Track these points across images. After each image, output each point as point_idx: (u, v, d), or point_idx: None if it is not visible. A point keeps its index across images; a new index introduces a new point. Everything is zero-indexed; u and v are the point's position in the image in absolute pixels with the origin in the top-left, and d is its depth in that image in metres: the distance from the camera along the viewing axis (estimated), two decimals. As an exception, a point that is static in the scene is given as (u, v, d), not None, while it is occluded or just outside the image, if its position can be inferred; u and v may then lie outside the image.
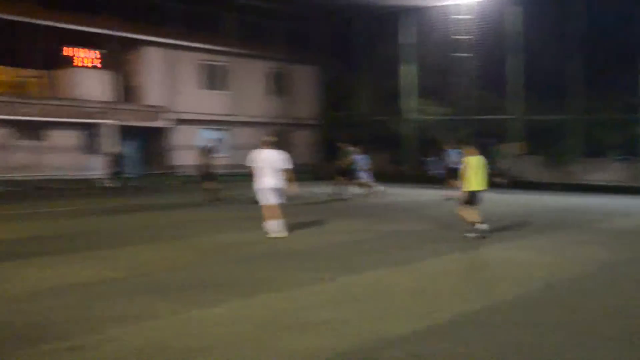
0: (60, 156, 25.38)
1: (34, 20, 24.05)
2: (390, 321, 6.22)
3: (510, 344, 5.56)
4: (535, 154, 27.81)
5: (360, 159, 21.24)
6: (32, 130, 24.76)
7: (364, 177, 21.14)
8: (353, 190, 20.77)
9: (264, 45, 32.82)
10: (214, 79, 31.07)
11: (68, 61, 26.83)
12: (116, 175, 21.41)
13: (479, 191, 11.85)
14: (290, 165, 11.96)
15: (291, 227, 12.90)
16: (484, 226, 11.80)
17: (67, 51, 26.56)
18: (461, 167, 12.07)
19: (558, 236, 12.27)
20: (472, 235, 11.76)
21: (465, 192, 11.88)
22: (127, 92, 28.89)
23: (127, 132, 27.08)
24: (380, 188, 21.48)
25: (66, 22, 25.80)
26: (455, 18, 29.48)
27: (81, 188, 22.68)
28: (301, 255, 9.92)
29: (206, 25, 30.62)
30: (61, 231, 12.30)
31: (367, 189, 21.00)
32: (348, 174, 20.69)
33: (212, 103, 30.43)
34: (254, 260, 9.51)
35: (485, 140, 25.15)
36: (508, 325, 6.13)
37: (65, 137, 25.80)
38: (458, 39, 29.35)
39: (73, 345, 5.32)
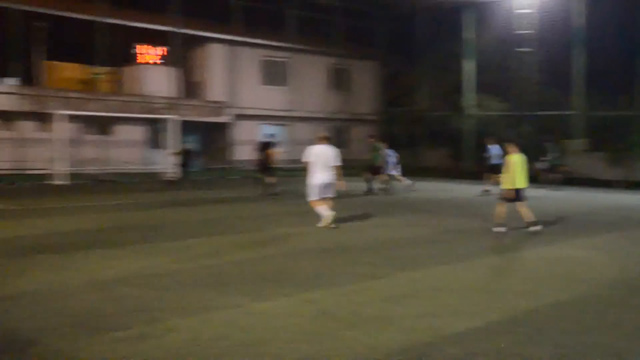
0: (126, 150, 26.14)
1: (103, 19, 24.81)
2: (447, 318, 6.23)
3: (568, 345, 5.49)
4: (598, 150, 27.10)
5: (389, 154, 21.50)
6: (100, 125, 25.57)
7: (392, 171, 21.48)
8: (380, 184, 20.84)
9: (324, 41, 32.96)
10: (274, 75, 31.40)
11: (135, 58, 27.60)
12: (184, 169, 21.86)
13: (521, 189, 11.99)
14: (339, 162, 12.26)
15: (346, 222, 13.02)
16: (538, 227, 11.90)
17: (134, 49, 27.31)
18: (503, 164, 12.22)
19: (620, 235, 11.98)
20: (501, 229, 11.91)
21: (507, 189, 12.00)
22: (190, 88, 29.50)
23: (189, 127, 27.68)
24: (409, 182, 21.78)
25: (133, 20, 26.58)
26: (517, 12, 28.94)
27: (145, 182, 23.30)
28: (358, 250, 9.99)
29: (267, 21, 30.96)
30: (126, 223, 12.68)
31: (393, 183, 21.20)
32: (377, 169, 20.88)
33: (271, 98, 30.76)
34: (311, 254, 9.62)
35: (542, 137, 24.74)
36: (566, 324, 6.06)
37: (131, 132, 26.56)
38: (520, 33, 28.82)
39: (138, 334, 5.52)
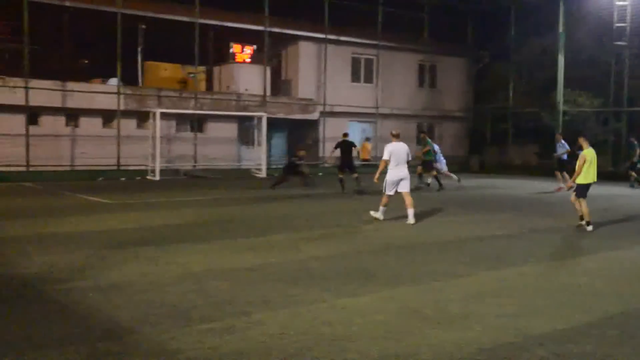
0: (217, 147, 26.89)
1: (197, 20, 25.62)
2: (533, 318, 6.12)
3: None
4: None
5: (438, 149, 21.79)
6: (192, 122, 26.43)
7: (441, 166, 21.65)
8: (427, 179, 21.03)
9: (413, 37, 32.71)
10: (362, 72, 31.44)
11: (227, 57, 28.32)
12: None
13: (590, 184, 12.02)
14: (411, 158, 12.77)
15: (428, 219, 12.95)
16: (590, 228, 11.88)
17: (228, 48, 28.03)
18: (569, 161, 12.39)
19: None
20: (590, 228, 11.80)
21: (578, 184, 11.98)
22: (279, 85, 29.98)
23: (278, 124, 28.17)
24: (455, 177, 21.88)
25: (226, 20, 27.28)
26: (612, 4, 27.75)
27: (236, 177, 23.89)
28: (441, 247, 9.92)
29: (356, 19, 31.02)
30: (217, 218, 13.05)
31: (442, 178, 21.13)
32: (428, 164, 21.06)
33: (360, 95, 30.81)
34: (394, 250, 9.64)
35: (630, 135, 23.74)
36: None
37: (222, 129, 27.28)
38: (615, 26, 27.62)
39: (226, 326, 5.72)
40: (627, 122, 28.18)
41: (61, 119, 23.92)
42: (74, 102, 23.67)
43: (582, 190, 12.00)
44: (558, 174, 20.90)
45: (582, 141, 12.26)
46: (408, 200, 12.60)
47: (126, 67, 25.10)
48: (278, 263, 8.59)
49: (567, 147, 20.85)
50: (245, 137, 28.00)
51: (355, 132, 31.75)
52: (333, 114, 29.76)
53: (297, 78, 29.72)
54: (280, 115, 28.14)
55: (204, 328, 5.66)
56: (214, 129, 27.21)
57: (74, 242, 9.91)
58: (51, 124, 23.70)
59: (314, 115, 29.40)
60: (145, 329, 5.60)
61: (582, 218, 12.08)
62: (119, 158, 24.09)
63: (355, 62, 31.21)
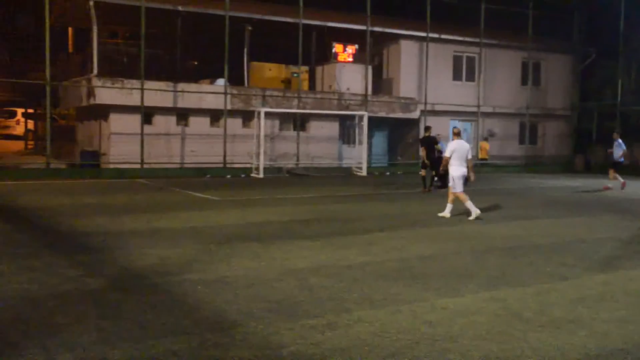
0: (319, 145, 27.25)
1: (301, 21, 26.07)
2: (644, 326, 5.90)
3: None
4: None
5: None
6: (295, 121, 26.92)
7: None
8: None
9: (516, 34, 31.81)
10: (464, 70, 30.92)
11: (330, 57, 28.63)
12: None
13: None
14: (472, 155, 13.07)
15: (535, 219, 12.62)
16: None
17: (331, 47, 28.35)
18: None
19: None
20: None
21: None
22: (381, 84, 29.98)
23: (378, 123, 28.18)
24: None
25: (328, 20, 27.60)
26: None
27: (337, 176, 24.14)
28: (546, 249, 9.68)
29: (458, 16, 30.53)
30: (319, 216, 13.27)
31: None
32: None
33: (461, 94, 30.32)
34: (497, 251, 9.49)
35: None
36: None
37: (324, 128, 27.62)
38: None
39: (328, 323, 5.85)
40: None
41: (172, 119, 24.99)
42: (184, 102, 24.68)
43: None
44: (612, 172, 20.72)
45: None
46: (463, 197, 12.91)
47: (233, 68, 25.89)
48: (379, 261, 8.67)
49: (624, 147, 20.62)
50: (347, 135, 28.21)
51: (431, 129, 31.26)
52: (434, 112, 29.44)
53: (398, 77, 29.63)
54: (381, 114, 28.16)
55: (306, 324, 5.82)
56: (316, 128, 27.59)
57: (184, 236, 10.39)
58: (163, 123, 24.81)
59: (415, 114, 29.21)
60: (250, 323, 5.83)
61: None
62: (225, 156, 24.89)
63: (456, 60, 30.73)
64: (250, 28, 26.81)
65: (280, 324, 5.81)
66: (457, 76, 30.75)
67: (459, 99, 30.10)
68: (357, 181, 21.94)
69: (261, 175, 23.32)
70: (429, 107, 29.18)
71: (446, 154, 13.06)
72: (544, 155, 32.84)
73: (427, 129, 20.15)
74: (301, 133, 26.97)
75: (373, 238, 10.57)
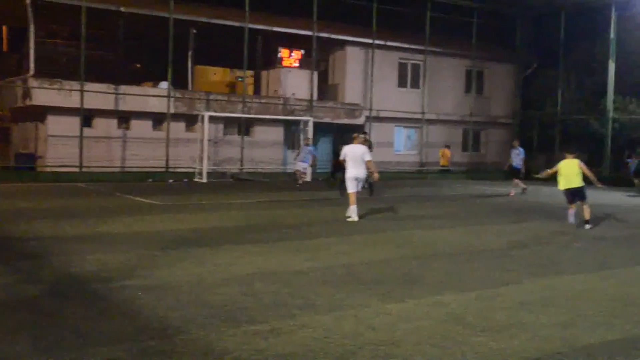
0: (264, 150, 27.16)
1: (247, 25, 25.95)
2: (582, 328, 6.05)
3: None
4: None
5: (309, 150, 22.63)
6: (240, 125, 26.76)
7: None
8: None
9: (460, 43, 32.48)
10: (409, 77, 31.36)
11: (275, 61, 28.60)
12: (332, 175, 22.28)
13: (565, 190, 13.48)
14: (370, 157, 13.61)
15: (476, 226, 12.85)
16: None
17: (277, 52, 28.32)
18: None
19: None
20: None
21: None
22: (326, 90, 30.12)
23: (323, 129, 28.29)
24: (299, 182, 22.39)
25: (275, 25, 27.57)
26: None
27: (282, 181, 24.08)
28: (490, 254, 9.84)
29: (404, 24, 30.96)
30: (264, 221, 13.20)
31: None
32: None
33: (406, 101, 30.75)
34: (442, 256, 9.60)
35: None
36: None
37: (268, 133, 27.55)
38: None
39: (272, 329, 5.79)
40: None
41: (114, 122, 24.51)
42: (126, 105, 24.24)
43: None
44: (515, 180, 21.53)
45: (566, 153, 13.78)
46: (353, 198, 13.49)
47: (177, 71, 25.60)
48: (324, 267, 8.65)
49: (524, 154, 21.68)
50: (292, 141, 28.21)
51: (401, 137, 31.73)
52: (379, 119, 29.75)
53: (343, 83, 29.83)
54: (327, 120, 28.28)
55: (250, 330, 5.75)
56: (260, 133, 27.50)
57: (125, 242, 10.16)
58: (104, 126, 24.31)
59: (360, 120, 29.44)
60: (193, 329, 5.72)
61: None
62: (168, 160, 24.55)
63: (402, 67, 31.15)
64: (194, 31, 26.58)
65: (224, 330, 5.72)
66: (402, 83, 31.16)
67: (404, 105, 30.50)
68: (302, 186, 21.93)
69: (205, 180, 23.07)
70: (374, 114, 29.47)
71: (341, 157, 13.85)
72: (486, 162, 33.57)
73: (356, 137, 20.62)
74: (246, 138, 26.84)
75: (319, 243, 10.55)
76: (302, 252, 9.70)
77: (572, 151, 13.66)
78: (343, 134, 29.94)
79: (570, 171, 13.37)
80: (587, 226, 13.15)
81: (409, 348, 5.39)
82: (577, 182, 13.30)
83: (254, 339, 5.52)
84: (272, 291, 7.20)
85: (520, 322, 6.21)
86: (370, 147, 21.85)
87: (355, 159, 13.51)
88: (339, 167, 19.97)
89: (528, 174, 21.57)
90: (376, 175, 14.12)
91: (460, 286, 7.68)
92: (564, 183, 13.49)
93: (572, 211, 13.67)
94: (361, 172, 13.58)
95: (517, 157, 21.61)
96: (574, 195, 13.49)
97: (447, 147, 31.16)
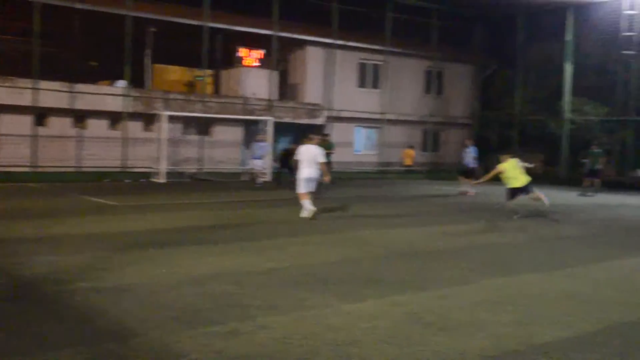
0: (223, 150, 26.95)
1: (206, 24, 25.71)
2: (538, 326, 6.13)
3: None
4: None
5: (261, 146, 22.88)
6: (199, 125, 26.51)
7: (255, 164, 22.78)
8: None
9: (420, 44, 32.75)
10: (369, 77, 31.49)
11: (235, 61, 28.40)
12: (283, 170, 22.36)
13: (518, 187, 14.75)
14: (324, 159, 13.91)
15: (435, 226, 12.96)
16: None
17: (236, 52, 28.12)
18: None
19: None
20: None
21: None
22: (287, 90, 30.05)
23: (284, 129, 28.19)
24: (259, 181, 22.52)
25: (234, 24, 27.36)
26: (621, 14, 27.83)
27: (239, 181, 23.92)
28: (449, 254, 9.92)
29: (364, 24, 31.06)
30: (223, 221, 13.08)
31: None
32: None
33: (366, 101, 30.86)
34: (402, 257, 9.64)
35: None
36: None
37: (228, 133, 27.35)
38: (623, 35, 27.69)
39: (231, 330, 5.74)
40: (633, 131, 28.18)
41: (68, 120, 24.02)
42: (81, 103, 23.78)
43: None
44: (463, 178, 21.95)
45: (503, 157, 15.10)
46: (309, 197, 13.76)
47: (134, 70, 25.23)
48: (284, 267, 8.60)
49: (475, 154, 21.91)
50: (252, 141, 28.03)
51: (361, 137, 31.85)
52: (339, 119, 29.81)
53: (304, 83, 29.80)
54: (287, 120, 28.20)
55: (209, 331, 5.68)
56: (220, 133, 27.28)
57: (80, 243, 9.95)
58: (58, 125, 23.80)
59: (321, 120, 29.45)
60: (150, 332, 5.62)
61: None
62: (125, 160, 24.16)
63: (362, 68, 31.27)
64: (153, 29, 26.21)
65: (182, 332, 5.64)
66: (362, 83, 31.28)
67: (364, 106, 30.62)
68: (261, 186, 21.84)
69: (163, 180, 22.77)
70: (334, 114, 29.52)
71: (295, 157, 14.17)
72: (446, 162, 33.92)
73: (311, 138, 20.87)
74: (205, 137, 26.59)
75: (279, 244, 10.50)
76: (261, 252, 9.64)
77: (512, 152, 15.04)
78: (303, 134, 29.97)
79: (516, 171, 14.54)
80: (546, 200, 14.80)
81: (368, 347, 5.39)
82: (526, 180, 14.53)
83: (212, 340, 5.46)
84: (230, 292, 7.13)
85: (477, 320, 6.27)
86: (331, 147, 22.46)
87: (310, 160, 13.76)
88: (286, 162, 20.69)
89: (469, 175, 21.73)
90: (327, 178, 14.31)
91: (419, 286, 7.73)
92: (514, 182, 14.52)
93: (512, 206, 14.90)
94: (314, 173, 13.81)
95: (469, 156, 21.84)
96: (523, 191, 14.60)
97: (411, 147, 31.42)
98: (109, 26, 25.93)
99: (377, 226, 13.08)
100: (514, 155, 15.22)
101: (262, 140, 23.02)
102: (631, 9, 27.59)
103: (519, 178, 14.59)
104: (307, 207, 13.72)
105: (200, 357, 5.05)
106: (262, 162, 22.48)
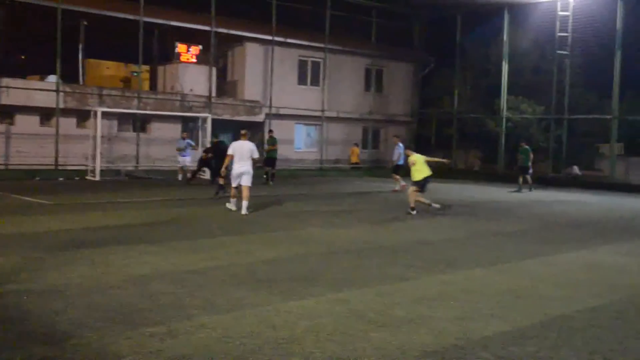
0: (160, 148, 26.44)
1: (142, 18, 25.15)
2: (478, 321, 6.20)
3: (600, 352, 5.42)
4: (634, 155, 26.89)
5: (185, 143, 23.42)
6: (135, 122, 25.93)
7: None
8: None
9: (360, 41, 32.93)
10: (309, 75, 31.46)
11: (172, 57, 27.90)
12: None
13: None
14: (257, 155, 14.43)
15: (377, 222, 13.04)
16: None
17: (173, 47, 27.61)
18: None
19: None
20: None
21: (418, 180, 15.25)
22: (225, 86, 29.72)
23: (223, 126, 27.86)
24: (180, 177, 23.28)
25: (171, 19, 26.86)
26: (555, 14, 28.73)
27: (176, 179, 23.50)
28: (390, 251, 9.99)
29: (304, 21, 31.00)
30: (160, 220, 12.82)
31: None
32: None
33: (306, 98, 30.83)
34: (343, 254, 9.64)
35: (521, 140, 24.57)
36: (600, 331, 5.98)
37: (165, 130, 26.85)
38: (558, 36, 28.58)
39: (169, 330, 5.59)
40: (567, 129, 29.09)
41: (-5, 116, 23.12)
42: (9, 99, 22.89)
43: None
44: (394, 176, 22.35)
45: (408, 151, 16.15)
46: (246, 193, 13.96)
47: (66, 65, 24.46)
48: (223, 265, 8.47)
49: (402, 150, 21.95)
50: (190, 138, 27.60)
51: (301, 134, 31.82)
52: (279, 116, 29.69)
53: (243, 79, 29.53)
54: (226, 117, 27.89)
55: (146, 332, 5.52)
56: (157, 130, 26.76)
57: (10, 243, 9.57)
58: (-17, 121, 22.88)
59: (260, 117, 29.27)
60: (84, 334, 5.43)
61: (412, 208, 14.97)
62: (57, 157, 23.43)
63: (302, 65, 31.21)
64: (85, 23, 25.47)
65: (118, 333, 5.46)
66: (302, 80, 31.22)
67: (304, 103, 30.58)
68: (192, 181, 21.58)
69: (97, 178, 22.18)
70: (273, 111, 29.38)
71: (229, 152, 14.25)
72: (386, 159, 34.19)
73: (216, 136, 21.16)
74: (141, 134, 26.05)
75: (217, 242, 10.35)
76: (199, 251, 9.47)
77: (411, 147, 15.79)
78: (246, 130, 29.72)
79: (423, 165, 15.06)
80: (436, 206, 15.22)
81: (310, 345, 5.34)
82: (428, 171, 15.02)
83: (150, 341, 5.31)
84: (169, 292, 6.96)
85: (418, 316, 6.30)
86: (274, 143, 22.69)
87: (242, 155, 13.97)
88: (206, 162, 21.02)
89: (397, 171, 22.07)
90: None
91: (360, 283, 7.72)
92: (419, 175, 14.96)
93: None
94: (245, 168, 13.98)
95: (397, 152, 22.05)
96: (426, 183, 15.12)
97: (356, 145, 31.64)
98: (40, 19, 25.05)
99: (318, 224, 13.07)
100: (413, 149, 15.98)
101: (185, 138, 23.53)
102: (564, 10, 28.46)
103: (424, 171, 15.01)
104: (233, 202, 14.38)
105: (137, 359, 4.90)
106: (190, 159, 22.90)
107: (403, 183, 21.49)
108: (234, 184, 14.21)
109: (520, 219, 15.26)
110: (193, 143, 23.71)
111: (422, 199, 15.12)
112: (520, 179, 23.30)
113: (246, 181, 13.99)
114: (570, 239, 12.15)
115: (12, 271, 7.69)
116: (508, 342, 5.60)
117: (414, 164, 15.06)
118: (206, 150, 21.67)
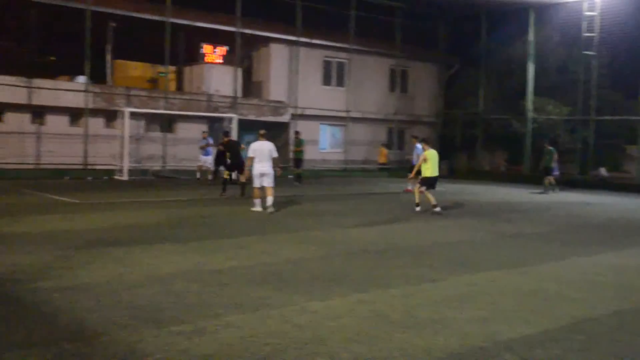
0: (187, 148, 26.65)
1: (169, 19, 25.38)
2: (502, 323, 6.19)
3: (625, 355, 5.38)
4: None
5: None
6: (162, 122, 26.17)
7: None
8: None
9: (385, 42, 32.86)
10: (334, 75, 31.49)
11: (199, 57, 28.11)
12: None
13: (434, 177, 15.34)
14: (277, 154, 14.38)
15: (402, 223, 13.03)
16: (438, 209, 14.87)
17: (199, 48, 27.81)
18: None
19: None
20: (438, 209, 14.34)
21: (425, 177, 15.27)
22: (251, 87, 29.87)
23: (248, 126, 28.02)
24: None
25: (198, 20, 27.05)
26: (582, 14, 28.40)
27: (203, 179, 23.65)
28: (414, 252, 9.98)
29: (329, 22, 31.03)
30: (186, 219, 12.93)
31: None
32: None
33: (331, 99, 30.85)
34: (367, 254, 9.66)
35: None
36: (625, 335, 5.93)
37: (191, 130, 27.06)
38: (584, 36, 28.24)
39: (195, 329, 5.66)
40: (594, 130, 28.74)
41: (26, 116, 23.49)
42: (40, 99, 23.27)
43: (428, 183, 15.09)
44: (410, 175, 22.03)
45: (424, 145, 15.79)
46: (270, 192, 14.14)
47: (95, 65, 24.77)
48: (248, 265, 8.54)
49: (420, 151, 21.84)
50: (215, 138, 27.79)
51: (326, 135, 31.86)
52: (304, 116, 29.75)
53: (268, 80, 29.66)
54: (251, 117, 28.03)
55: (173, 330, 5.60)
56: (183, 130, 26.99)
57: (40, 242, 9.74)
58: (15, 121, 23.26)
59: (285, 118, 29.37)
60: (113, 331, 5.52)
61: (434, 205, 14.87)
62: (86, 157, 23.75)
63: (327, 65, 31.25)
64: (114, 24, 25.77)
65: (145, 332, 5.54)
66: (327, 81, 31.25)
67: (329, 103, 30.61)
68: (212, 182, 21.74)
69: (125, 178, 22.45)
70: (299, 111, 29.46)
71: (249, 154, 14.29)
72: (411, 160, 34.06)
73: (226, 134, 21.13)
74: (168, 134, 26.28)
75: (242, 242, 10.43)
76: (223, 250, 9.56)
77: (429, 142, 15.84)
78: (268, 132, 29.83)
79: (435, 160, 14.95)
80: (437, 209, 14.87)
81: (335, 346, 5.37)
82: (436, 171, 15.00)
83: (177, 339, 5.38)
84: (194, 291, 7.05)
85: (443, 318, 6.31)
86: (301, 145, 22.85)
87: (263, 155, 14.04)
88: (222, 159, 20.52)
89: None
90: (279, 171, 14.86)
91: (384, 283, 7.74)
92: (431, 171, 14.90)
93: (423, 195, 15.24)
94: (267, 168, 14.04)
95: (416, 153, 21.86)
96: (436, 181, 15.12)
97: (384, 145, 31.50)
98: (69, 20, 25.42)
99: (342, 224, 13.07)
100: (431, 146, 15.84)
101: (205, 138, 23.51)
102: (591, 10, 28.14)
103: (434, 169, 14.95)
104: (258, 202, 14.34)
105: (164, 357, 4.97)
106: (211, 158, 22.92)
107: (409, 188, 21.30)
108: (257, 185, 14.28)
109: (544, 220, 15.14)
110: (211, 141, 23.65)
111: (430, 196, 15.08)
112: (546, 181, 23.08)
113: (268, 182, 14.17)
114: (595, 241, 12.03)
115: (43, 269, 7.84)
116: (534, 344, 5.59)
117: (425, 160, 15.00)
118: (221, 144, 21.60)
